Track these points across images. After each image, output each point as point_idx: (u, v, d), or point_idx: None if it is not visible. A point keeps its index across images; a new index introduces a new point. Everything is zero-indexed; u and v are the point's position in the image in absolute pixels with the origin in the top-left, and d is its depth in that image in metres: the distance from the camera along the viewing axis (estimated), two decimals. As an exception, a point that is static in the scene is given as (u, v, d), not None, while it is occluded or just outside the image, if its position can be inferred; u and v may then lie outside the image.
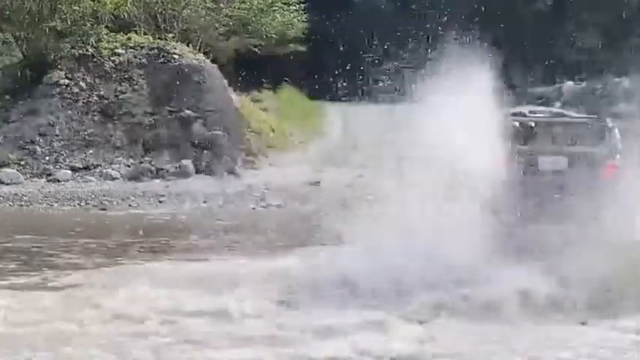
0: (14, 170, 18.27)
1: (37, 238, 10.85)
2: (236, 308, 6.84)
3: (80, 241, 10.82)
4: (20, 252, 9.79)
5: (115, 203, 15.69)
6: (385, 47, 22.63)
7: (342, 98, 25.24)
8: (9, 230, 11.49)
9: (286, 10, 25.36)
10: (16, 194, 16.45)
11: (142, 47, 20.54)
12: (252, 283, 7.71)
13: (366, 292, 7.08)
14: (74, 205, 15.42)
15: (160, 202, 15.98)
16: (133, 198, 16.20)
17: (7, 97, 19.47)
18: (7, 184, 17.75)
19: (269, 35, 24.65)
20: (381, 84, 25.24)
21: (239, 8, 24.06)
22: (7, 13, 19.73)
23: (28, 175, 18.38)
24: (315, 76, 23.38)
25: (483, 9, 22.09)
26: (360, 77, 23.29)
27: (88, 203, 15.63)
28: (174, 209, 15.18)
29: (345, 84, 26.21)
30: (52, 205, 15.36)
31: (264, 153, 19.96)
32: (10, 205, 15.33)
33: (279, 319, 6.62)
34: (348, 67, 20.71)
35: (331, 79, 24.60)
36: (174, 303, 7.03)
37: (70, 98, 19.52)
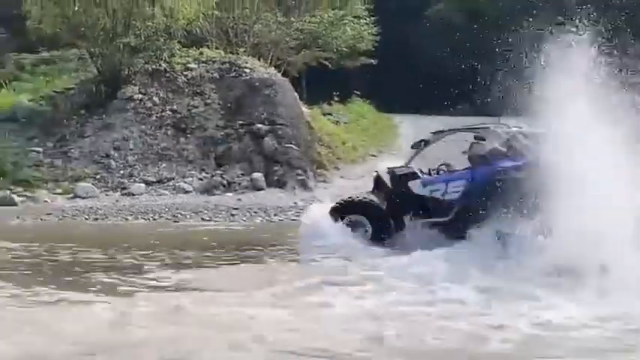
0: (90, 184, 18.56)
1: (133, 251, 10.68)
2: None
3: (176, 252, 10.60)
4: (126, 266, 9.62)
5: (187, 216, 15.67)
6: (458, 58, 22.33)
7: (413, 110, 24.89)
8: (104, 244, 11.40)
9: (356, 23, 25.20)
10: (91, 208, 16.64)
11: (214, 62, 20.78)
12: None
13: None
14: (148, 219, 15.45)
15: (233, 215, 15.89)
16: (205, 211, 16.15)
17: (83, 112, 19.87)
18: (83, 198, 18.04)
19: (339, 48, 24.51)
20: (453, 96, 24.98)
21: (310, 22, 24.00)
22: (83, 30, 20.21)
23: (103, 189, 18.63)
24: (386, 89, 23.14)
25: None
26: (433, 90, 23.03)
27: (162, 216, 15.64)
28: (247, 222, 15.08)
29: (416, 96, 25.86)
30: (126, 219, 15.42)
31: (335, 166, 19.81)
32: (85, 218, 15.48)
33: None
34: (419, 79, 20.46)
35: (402, 91, 24.33)
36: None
37: (144, 113, 19.83)
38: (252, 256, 10.22)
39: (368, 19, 25.82)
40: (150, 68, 20.05)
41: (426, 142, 10.63)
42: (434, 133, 10.97)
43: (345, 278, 8.02)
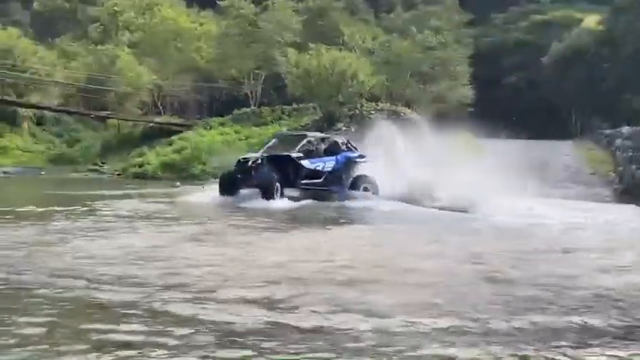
0: None
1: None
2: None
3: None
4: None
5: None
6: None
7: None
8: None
9: (467, 87, 41.74)
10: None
11: (384, 110, 37.10)
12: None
13: None
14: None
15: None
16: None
17: (314, 136, 36.81)
18: None
19: (453, 102, 41.05)
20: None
21: (437, 86, 40.61)
22: (313, 91, 36.91)
23: None
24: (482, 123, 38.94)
25: None
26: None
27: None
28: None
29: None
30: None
31: (450, 166, 35.56)
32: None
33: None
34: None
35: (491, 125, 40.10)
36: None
37: (347, 137, 36.41)
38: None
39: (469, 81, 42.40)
40: (350, 113, 36.71)
41: (268, 142, 19.03)
42: (275, 135, 20.02)
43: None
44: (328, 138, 19.25)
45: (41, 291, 6.28)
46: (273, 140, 18.89)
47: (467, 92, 43.17)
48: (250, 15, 43.08)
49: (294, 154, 16.74)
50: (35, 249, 8.72)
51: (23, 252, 8.49)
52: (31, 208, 14.15)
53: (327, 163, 17.38)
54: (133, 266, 7.70)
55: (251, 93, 42.83)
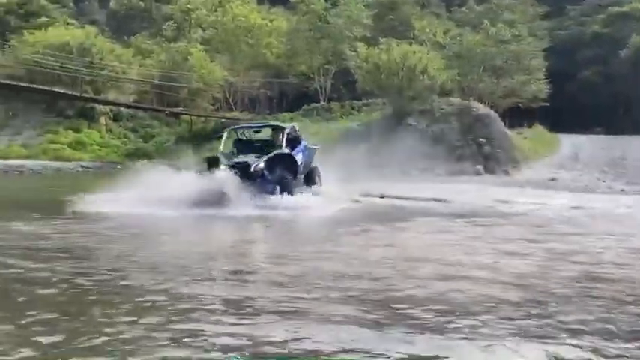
0: (387, 170, 34.97)
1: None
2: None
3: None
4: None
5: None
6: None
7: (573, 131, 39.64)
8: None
9: (542, 81, 40.66)
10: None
11: (455, 104, 36.58)
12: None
13: None
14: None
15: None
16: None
17: (384, 131, 36.49)
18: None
19: (528, 97, 40.02)
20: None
21: (510, 80, 39.70)
22: (384, 86, 36.76)
23: (394, 172, 35.00)
24: (555, 117, 38.02)
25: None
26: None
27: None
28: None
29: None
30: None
31: (524, 162, 34.74)
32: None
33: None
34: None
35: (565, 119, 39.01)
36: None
37: (417, 132, 35.98)
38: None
39: (544, 75, 41.25)
40: (420, 108, 36.33)
41: (221, 136, 16.40)
42: (228, 129, 16.82)
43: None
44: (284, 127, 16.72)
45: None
46: (226, 135, 16.20)
47: (541, 86, 42.11)
48: (320, 10, 43.10)
49: (287, 151, 15.14)
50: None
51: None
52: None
53: (298, 156, 15.72)
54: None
55: (320, 88, 42.88)
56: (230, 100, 44.66)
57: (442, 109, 36.29)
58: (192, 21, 50.74)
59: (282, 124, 17.18)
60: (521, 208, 16.00)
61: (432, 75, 35.72)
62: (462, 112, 35.98)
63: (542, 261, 7.93)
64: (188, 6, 51.19)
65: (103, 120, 40.83)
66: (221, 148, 15.23)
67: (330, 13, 43.36)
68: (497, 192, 21.44)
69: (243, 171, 13.79)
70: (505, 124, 36.84)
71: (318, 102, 41.94)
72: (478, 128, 35.17)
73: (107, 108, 41.48)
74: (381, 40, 38.35)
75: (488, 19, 44.25)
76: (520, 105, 40.67)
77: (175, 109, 42.41)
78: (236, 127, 17.15)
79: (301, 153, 15.96)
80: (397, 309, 5.33)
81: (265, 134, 16.56)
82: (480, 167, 34.02)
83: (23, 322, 4.77)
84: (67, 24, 47.35)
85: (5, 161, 32.73)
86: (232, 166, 13.91)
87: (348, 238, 10.07)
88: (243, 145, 15.54)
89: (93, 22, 52.35)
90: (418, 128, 36.07)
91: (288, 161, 14.86)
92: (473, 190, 22.37)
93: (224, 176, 13.33)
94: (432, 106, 36.32)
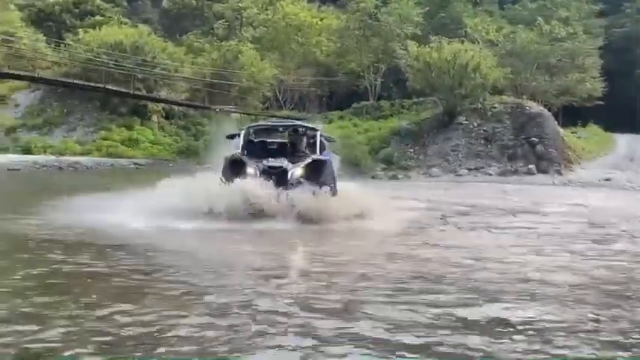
0: (437, 169, 34.60)
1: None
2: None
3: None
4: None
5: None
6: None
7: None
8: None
9: (597, 80, 39.74)
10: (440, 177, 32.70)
11: (508, 103, 36.02)
12: None
13: None
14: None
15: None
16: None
17: (434, 130, 36.13)
18: (430, 176, 34.01)
19: (582, 95, 39.16)
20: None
21: (565, 79, 38.91)
22: (434, 84, 36.39)
23: (444, 172, 34.61)
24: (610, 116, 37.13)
25: None
26: None
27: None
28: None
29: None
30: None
31: (577, 161, 34.02)
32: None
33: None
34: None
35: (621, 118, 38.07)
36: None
37: (468, 131, 35.52)
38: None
39: (599, 73, 40.31)
40: (471, 107, 35.85)
41: (239, 135, 12.64)
42: (244, 127, 13.34)
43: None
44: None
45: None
46: (244, 134, 13.03)
47: (596, 85, 41.25)
48: (371, 8, 42.94)
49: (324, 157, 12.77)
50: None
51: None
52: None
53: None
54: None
55: (370, 87, 42.73)
56: (280, 98, 44.83)
57: (494, 107, 35.82)
58: (244, 19, 51.11)
59: (310, 125, 14.24)
60: (576, 209, 15.68)
61: (483, 73, 35.23)
62: (515, 110, 35.49)
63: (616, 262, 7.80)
64: (239, 4, 51.63)
65: (155, 118, 41.37)
66: (240, 148, 12.42)
67: (381, 11, 43.19)
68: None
69: (279, 177, 11.37)
70: (558, 123, 36.17)
71: (368, 100, 41.83)
72: (531, 127, 34.65)
73: (159, 106, 42.02)
74: (432, 38, 38.04)
75: (542, 16, 43.55)
76: (574, 104, 39.89)
77: (226, 107, 42.72)
78: (254, 125, 14.55)
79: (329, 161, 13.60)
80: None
81: (281, 136, 13.86)
82: (532, 167, 33.49)
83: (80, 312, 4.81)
84: (121, 23, 48.15)
85: (60, 157, 33.42)
86: (266, 171, 11.41)
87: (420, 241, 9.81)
88: (260, 147, 12.88)
89: (146, 21, 53.17)
90: (469, 127, 35.67)
91: (326, 169, 12.19)
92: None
93: (257, 185, 11.00)
94: (484, 104, 35.90)
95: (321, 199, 11.15)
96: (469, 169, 34.43)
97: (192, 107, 43.24)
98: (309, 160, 12.06)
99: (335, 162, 14.05)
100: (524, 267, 7.21)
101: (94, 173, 30.20)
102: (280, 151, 12.68)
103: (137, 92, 39.97)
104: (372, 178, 31.84)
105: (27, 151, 34.58)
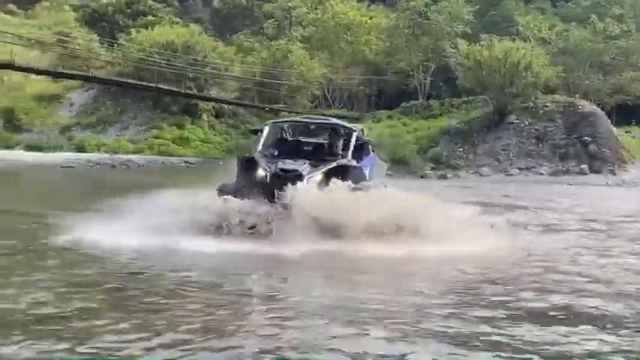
0: (487, 169, 34.18)
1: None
2: None
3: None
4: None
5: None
6: None
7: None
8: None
9: None
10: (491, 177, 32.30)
11: (560, 102, 35.41)
12: None
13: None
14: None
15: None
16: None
17: (485, 129, 35.71)
18: (480, 175, 33.53)
19: (637, 94, 38.25)
20: None
21: (618, 77, 38.07)
22: (485, 83, 35.93)
23: (494, 172, 34.14)
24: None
25: None
26: None
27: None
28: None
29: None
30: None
31: (631, 161, 33.23)
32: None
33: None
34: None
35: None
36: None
37: (519, 130, 35.01)
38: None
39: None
40: (523, 106, 35.36)
41: (261, 130, 11.18)
42: (270, 123, 11.72)
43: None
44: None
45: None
46: (267, 130, 11.27)
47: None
48: (421, 7, 42.68)
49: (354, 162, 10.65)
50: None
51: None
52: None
53: (366, 170, 11.31)
54: None
55: (420, 85, 42.48)
56: (329, 97, 44.90)
57: (546, 106, 35.33)
58: (293, 19, 51.34)
59: (348, 125, 11.96)
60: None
61: (535, 72, 34.81)
62: (567, 109, 34.98)
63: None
64: (289, 4, 51.86)
65: (205, 116, 41.87)
66: (259, 146, 10.80)
67: (431, 9, 42.88)
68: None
69: (292, 182, 9.39)
70: (612, 122, 35.45)
71: (417, 99, 41.61)
72: (583, 126, 34.14)
73: (210, 105, 42.51)
74: (483, 36, 37.67)
75: (595, 13, 42.74)
76: (628, 102, 38.88)
77: (275, 106, 42.97)
78: (281, 120, 12.93)
79: (369, 167, 11.46)
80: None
81: (320, 135, 12.16)
82: (584, 166, 32.98)
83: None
84: (173, 23, 48.83)
85: (113, 155, 34.09)
86: (277, 175, 9.58)
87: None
88: (289, 147, 11.19)
89: (197, 21, 53.75)
90: (520, 126, 35.24)
91: (353, 177, 9.88)
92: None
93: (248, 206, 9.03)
94: (536, 103, 35.46)
95: (334, 194, 8.91)
96: (520, 169, 34.03)
97: (242, 106, 43.63)
98: (332, 164, 9.94)
99: (378, 169, 12.23)
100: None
101: (145, 171, 30.65)
102: (315, 152, 10.87)
103: (188, 91, 40.51)
104: (421, 177, 31.70)
105: (81, 149, 35.40)
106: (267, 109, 42.70)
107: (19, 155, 31.71)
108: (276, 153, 10.75)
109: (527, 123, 35.21)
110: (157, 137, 38.49)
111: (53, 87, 41.95)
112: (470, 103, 38.32)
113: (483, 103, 37.18)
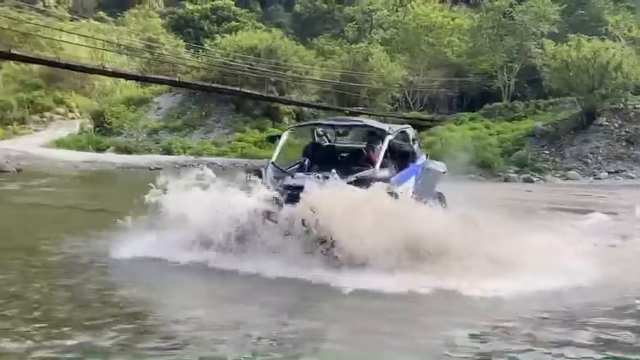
0: (575, 172, 33.12)
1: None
2: None
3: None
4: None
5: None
6: None
7: None
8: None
9: None
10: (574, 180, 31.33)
11: (654, 103, 34.13)
12: None
13: None
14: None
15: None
16: None
17: (572, 132, 34.66)
18: (567, 179, 32.53)
19: None
20: None
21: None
22: (572, 84, 34.85)
23: (582, 175, 33.10)
24: None
25: None
26: None
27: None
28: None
29: None
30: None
31: None
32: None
33: None
34: None
35: None
36: None
37: (608, 133, 33.82)
38: None
39: None
40: (612, 107, 34.19)
41: (279, 136, 10.54)
42: (291, 128, 11.08)
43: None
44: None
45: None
46: (286, 138, 10.45)
47: None
48: (505, 7, 41.90)
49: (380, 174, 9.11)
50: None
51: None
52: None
53: (405, 184, 9.72)
54: None
55: (504, 87, 41.66)
56: (409, 99, 44.59)
57: (637, 108, 34.06)
58: (374, 21, 51.27)
59: (380, 126, 10.40)
60: None
61: (625, 72, 33.52)
62: (660, 112, 33.61)
63: None
64: (370, 7, 51.83)
65: (286, 119, 42.27)
66: (274, 156, 9.75)
67: (516, 9, 42.02)
68: None
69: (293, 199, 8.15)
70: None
71: (501, 101, 40.80)
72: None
73: (290, 108, 42.92)
74: (570, 36, 36.60)
75: (690, 10, 40.92)
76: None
77: (355, 109, 42.97)
78: (301, 124, 11.14)
79: (413, 177, 9.95)
80: None
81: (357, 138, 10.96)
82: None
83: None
84: (255, 27, 49.62)
85: (198, 157, 34.86)
86: (281, 194, 8.46)
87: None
88: (321, 154, 10.13)
89: (278, 25, 54.42)
90: (609, 128, 34.09)
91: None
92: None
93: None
94: (626, 105, 34.30)
95: (351, 193, 7.84)
96: (609, 172, 32.85)
97: (322, 109, 43.80)
98: (351, 178, 8.58)
99: (428, 179, 10.71)
100: None
101: (228, 173, 31.12)
102: (350, 160, 9.78)
103: (270, 95, 40.99)
104: (505, 180, 31.08)
105: (167, 151, 36.38)
106: (347, 111, 42.74)
107: (110, 157, 32.90)
108: (306, 162, 9.91)
109: (616, 125, 34.04)
110: (239, 140, 39.14)
111: (142, 91, 43.32)
112: (556, 105, 37.31)
113: (570, 104, 36.14)
